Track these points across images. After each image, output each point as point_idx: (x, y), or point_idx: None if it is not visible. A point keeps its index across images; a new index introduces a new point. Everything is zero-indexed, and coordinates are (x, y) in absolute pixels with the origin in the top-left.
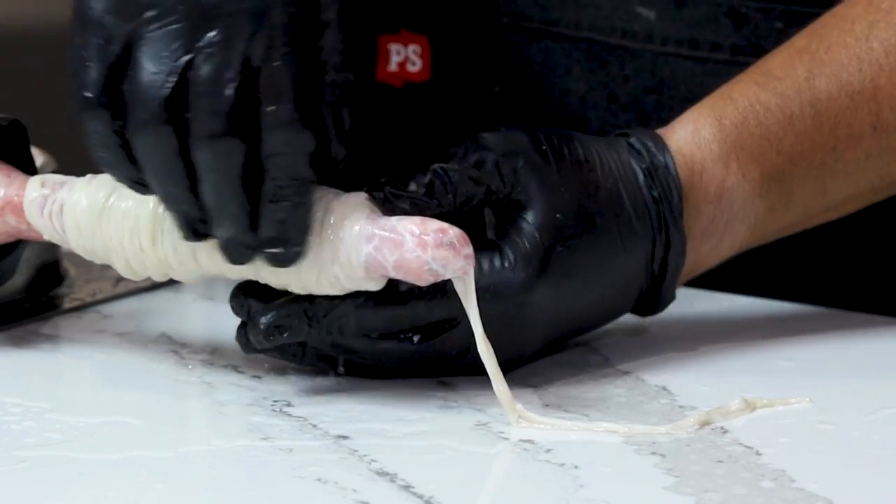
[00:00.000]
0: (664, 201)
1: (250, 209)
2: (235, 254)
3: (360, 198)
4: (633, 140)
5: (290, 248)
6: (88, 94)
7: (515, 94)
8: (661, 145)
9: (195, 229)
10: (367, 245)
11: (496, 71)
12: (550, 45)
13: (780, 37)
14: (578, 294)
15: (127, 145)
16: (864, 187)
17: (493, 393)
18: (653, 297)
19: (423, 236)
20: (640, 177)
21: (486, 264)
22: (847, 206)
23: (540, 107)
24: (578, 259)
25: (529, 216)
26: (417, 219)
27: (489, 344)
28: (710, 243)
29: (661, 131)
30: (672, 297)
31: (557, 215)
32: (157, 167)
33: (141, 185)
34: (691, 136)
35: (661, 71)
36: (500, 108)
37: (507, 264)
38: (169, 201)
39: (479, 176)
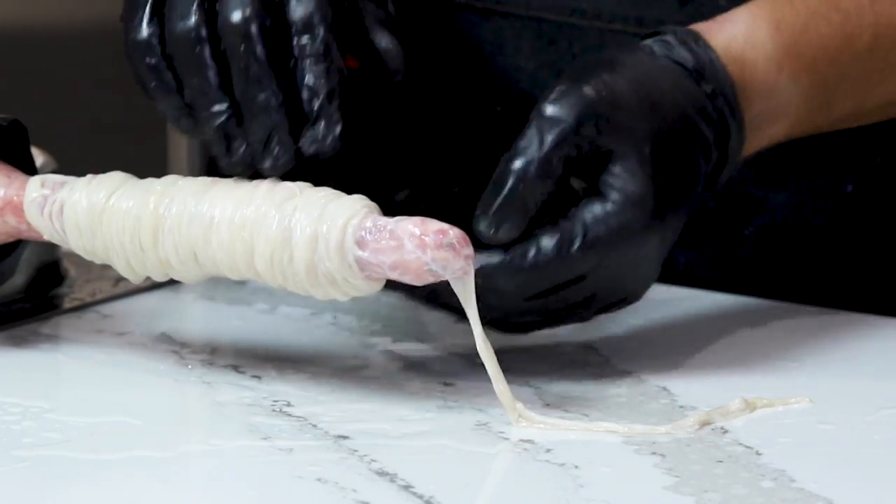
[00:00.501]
0: (720, 95)
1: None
2: (280, 152)
3: (358, 198)
4: (670, 39)
5: (330, 125)
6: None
7: (466, 73)
8: (703, 43)
9: (229, 139)
10: (365, 246)
11: (447, 50)
12: (501, 24)
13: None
14: (676, 211)
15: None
16: (881, 114)
17: (494, 393)
18: (711, 182)
19: (423, 237)
20: (689, 78)
21: (598, 210)
22: (872, 117)
23: (491, 85)
24: (667, 180)
25: (621, 162)
26: (417, 219)
27: (489, 344)
28: (755, 134)
29: (703, 27)
30: (723, 182)
31: (645, 149)
32: (189, 63)
33: (187, 116)
34: (744, 35)
35: (608, 48)
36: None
37: (618, 209)
38: (203, 109)
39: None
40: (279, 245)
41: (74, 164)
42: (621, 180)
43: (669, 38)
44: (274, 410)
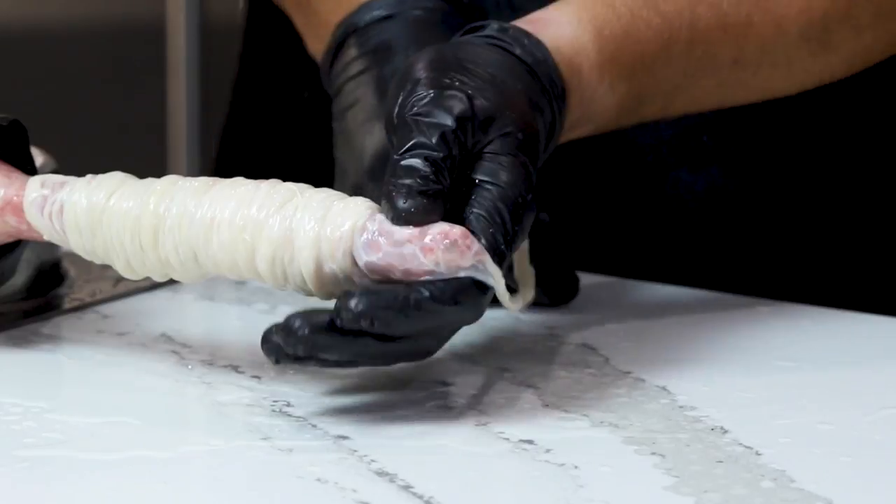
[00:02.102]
0: (555, 99)
1: None
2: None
3: (362, 201)
4: (501, 34)
5: None
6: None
7: None
8: (536, 41)
9: None
10: (374, 253)
11: None
12: None
13: None
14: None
15: None
16: (702, 108)
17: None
18: None
19: (426, 241)
20: (530, 75)
21: None
22: (672, 116)
23: None
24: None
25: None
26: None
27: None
28: (564, 136)
29: (525, 24)
30: None
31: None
32: None
33: None
34: (570, 40)
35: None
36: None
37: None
38: None
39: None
40: (281, 246)
41: (74, 164)
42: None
43: (504, 32)
44: (274, 410)
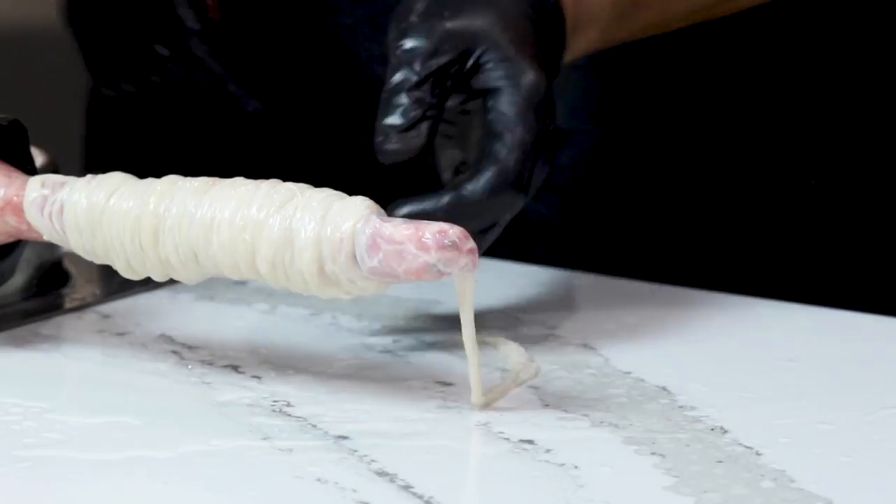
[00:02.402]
0: (540, 6)
1: None
2: None
3: (361, 200)
4: None
5: None
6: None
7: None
8: None
9: None
10: (374, 254)
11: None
12: None
13: None
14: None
15: None
16: (698, 15)
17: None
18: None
19: (423, 240)
20: None
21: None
22: (681, 23)
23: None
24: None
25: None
26: (416, 223)
27: (475, 342)
28: (572, 49)
29: None
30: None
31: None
32: None
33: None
34: None
35: None
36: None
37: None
38: None
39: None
40: (281, 246)
41: (74, 164)
42: (506, 71)
43: None
44: (274, 410)
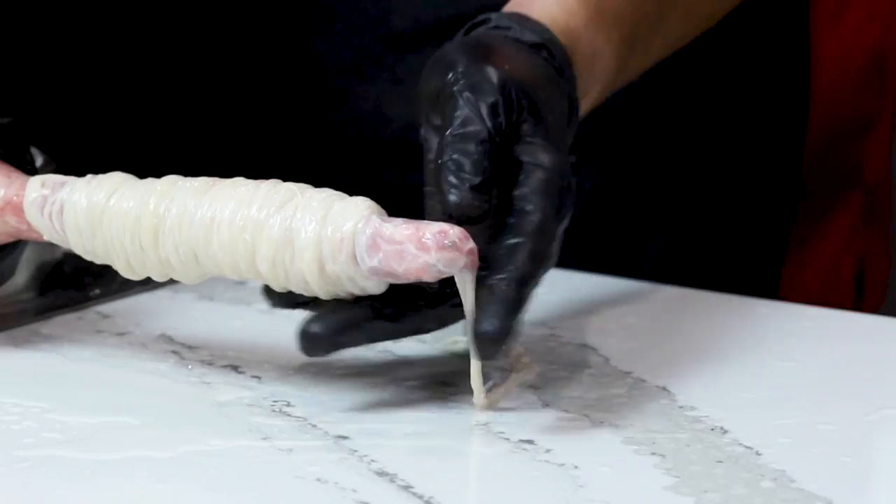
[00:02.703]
0: (565, 70)
1: None
2: None
3: (362, 200)
4: (504, 23)
5: None
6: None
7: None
8: (535, 23)
9: None
10: (374, 254)
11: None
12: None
13: None
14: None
15: None
16: (669, 48)
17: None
18: None
19: (424, 240)
20: (543, 57)
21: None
22: (660, 58)
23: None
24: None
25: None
26: (416, 223)
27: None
28: (582, 103)
29: (515, 7)
30: None
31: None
32: None
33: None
34: (559, 7)
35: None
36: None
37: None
38: None
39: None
40: (282, 246)
41: (74, 164)
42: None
43: (507, 20)
44: (274, 410)
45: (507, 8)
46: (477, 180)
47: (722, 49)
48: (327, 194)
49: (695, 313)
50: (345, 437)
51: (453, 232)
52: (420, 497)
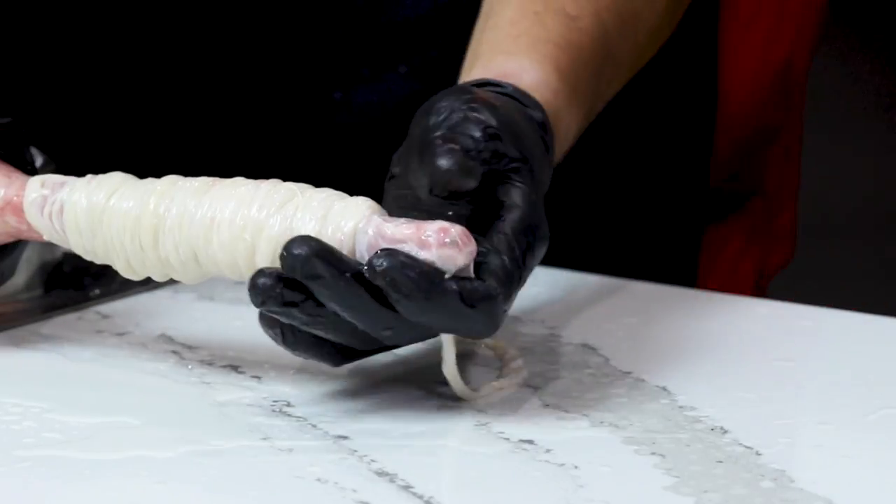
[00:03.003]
0: (550, 145)
1: None
2: None
3: (362, 200)
4: (510, 91)
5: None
6: None
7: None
8: (533, 100)
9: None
10: (374, 252)
11: None
12: None
13: None
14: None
15: None
16: (598, 111)
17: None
18: None
19: (424, 238)
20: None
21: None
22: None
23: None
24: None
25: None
26: (415, 223)
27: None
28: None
29: (500, 75)
30: None
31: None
32: None
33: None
34: (544, 83)
35: None
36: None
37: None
38: None
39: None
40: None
41: (74, 164)
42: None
43: (506, 90)
44: (274, 410)
45: (490, 75)
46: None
47: None
48: (328, 194)
49: (695, 313)
50: (345, 437)
51: (454, 230)
52: (420, 497)
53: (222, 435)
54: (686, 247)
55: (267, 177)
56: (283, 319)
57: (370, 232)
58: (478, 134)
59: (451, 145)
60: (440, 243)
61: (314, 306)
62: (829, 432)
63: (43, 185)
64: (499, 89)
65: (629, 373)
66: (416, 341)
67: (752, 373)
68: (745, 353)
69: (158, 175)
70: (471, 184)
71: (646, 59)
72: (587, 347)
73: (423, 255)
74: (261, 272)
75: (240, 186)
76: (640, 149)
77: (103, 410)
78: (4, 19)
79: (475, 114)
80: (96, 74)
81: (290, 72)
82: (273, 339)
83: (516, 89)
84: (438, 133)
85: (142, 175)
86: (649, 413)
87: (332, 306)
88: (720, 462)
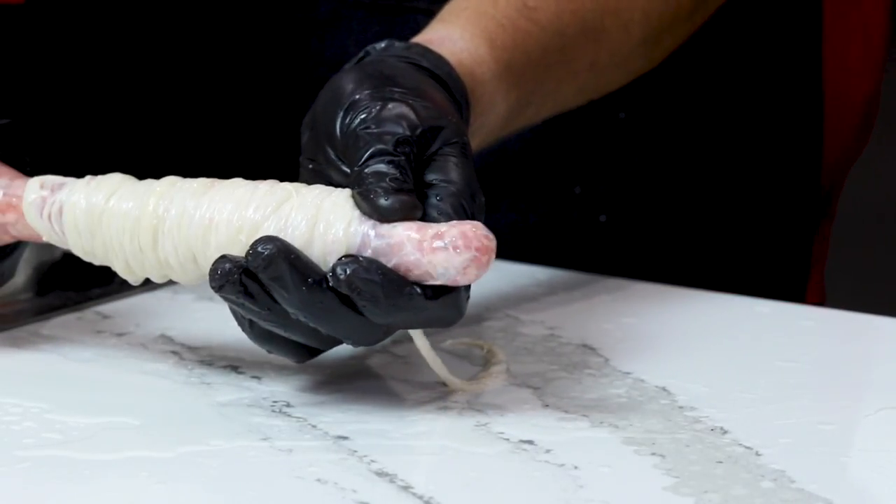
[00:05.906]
0: (463, 108)
1: None
2: None
3: (349, 197)
4: (406, 51)
5: None
6: None
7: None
8: (438, 56)
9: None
10: (367, 250)
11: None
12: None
13: None
14: None
15: None
16: (558, 111)
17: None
18: None
19: (421, 241)
20: (441, 86)
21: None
22: (577, 103)
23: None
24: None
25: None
26: (414, 224)
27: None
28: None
29: (423, 40)
30: None
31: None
32: None
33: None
34: (469, 53)
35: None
36: None
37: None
38: None
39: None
40: None
41: (74, 164)
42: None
43: (411, 50)
44: (274, 411)
45: (415, 40)
46: (401, 187)
47: (739, 66)
48: (319, 191)
49: (695, 314)
50: (345, 438)
51: (451, 232)
52: (420, 497)
53: (222, 435)
54: (797, 252)
55: (266, 176)
56: (242, 312)
57: (361, 230)
58: (400, 130)
59: (388, 173)
60: (434, 248)
61: (271, 301)
62: (829, 432)
63: (42, 186)
64: (406, 52)
65: (629, 373)
66: (378, 342)
67: (752, 373)
68: (745, 353)
69: (158, 175)
70: (417, 215)
71: (660, 50)
72: (587, 347)
73: (421, 258)
74: (223, 257)
75: (238, 187)
76: (747, 152)
77: (103, 410)
78: (4, 19)
79: (393, 111)
80: (96, 74)
81: (289, 66)
82: (241, 327)
83: (427, 50)
84: (362, 137)
85: (141, 175)
86: (649, 413)
87: (296, 313)
88: (720, 462)
